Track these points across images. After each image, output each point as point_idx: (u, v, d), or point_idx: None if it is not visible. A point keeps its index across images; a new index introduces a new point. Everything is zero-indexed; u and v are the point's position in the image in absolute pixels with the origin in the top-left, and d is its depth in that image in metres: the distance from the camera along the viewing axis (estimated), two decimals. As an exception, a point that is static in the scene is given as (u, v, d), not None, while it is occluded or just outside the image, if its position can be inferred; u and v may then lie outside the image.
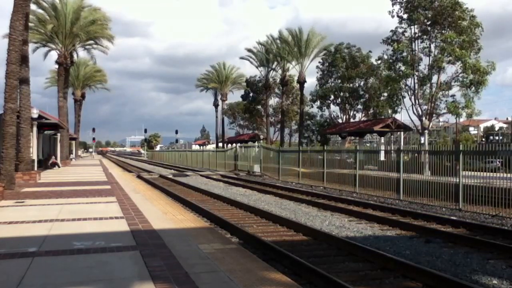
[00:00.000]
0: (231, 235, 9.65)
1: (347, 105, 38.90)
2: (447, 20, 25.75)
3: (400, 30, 27.94)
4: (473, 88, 25.23)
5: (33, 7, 29.62)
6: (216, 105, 69.69)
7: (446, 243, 9.18)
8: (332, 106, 40.11)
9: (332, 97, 39.30)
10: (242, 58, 53.63)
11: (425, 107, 27.22)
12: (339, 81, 38.53)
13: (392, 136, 52.94)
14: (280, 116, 50.51)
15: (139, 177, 26.92)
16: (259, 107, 55.37)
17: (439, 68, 25.95)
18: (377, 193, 17.72)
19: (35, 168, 21.44)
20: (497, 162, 15.03)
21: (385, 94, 31.28)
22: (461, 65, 25.27)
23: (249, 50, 51.60)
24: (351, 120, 38.39)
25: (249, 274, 4.53)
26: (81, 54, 44.36)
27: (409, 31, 27.64)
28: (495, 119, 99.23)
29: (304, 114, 43.39)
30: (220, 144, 65.20)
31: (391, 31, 28.41)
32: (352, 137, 38.13)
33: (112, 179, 19.34)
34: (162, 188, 19.92)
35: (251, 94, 56.32)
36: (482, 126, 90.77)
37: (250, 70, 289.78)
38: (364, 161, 20.20)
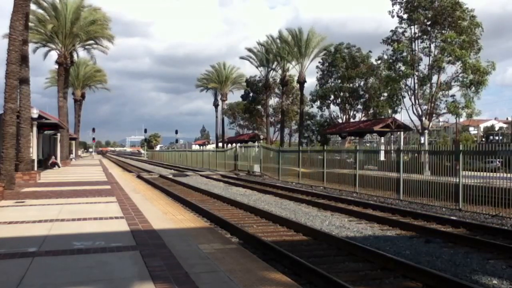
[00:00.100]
0: (231, 235, 9.65)
1: (347, 105, 38.90)
2: (447, 20, 25.76)
3: (400, 30, 27.99)
4: (473, 88, 25.25)
5: (33, 7, 29.63)
6: (216, 105, 69.71)
7: (446, 243, 9.18)
8: (332, 106, 40.17)
9: (332, 97, 39.29)
10: (242, 58, 53.71)
11: (425, 107, 27.24)
12: (339, 81, 38.52)
13: (392, 136, 52.93)
14: (280, 116, 50.50)
15: (139, 177, 26.91)
16: (259, 107, 55.35)
17: (439, 68, 25.96)
18: (377, 193, 17.72)
19: (35, 168, 21.44)
20: (497, 162, 15.02)
21: (385, 94, 31.29)
22: (461, 65, 25.28)
23: (250, 50, 51.69)
24: (351, 120, 38.39)
25: (249, 274, 4.53)
26: (81, 54, 44.43)
27: (409, 31, 27.69)
28: (495, 119, 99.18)
29: (304, 114, 43.38)
30: (220, 144, 65.19)
31: (391, 31, 28.44)
32: (352, 137, 38.11)
33: (112, 179, 19.34)
34: (162, 188, 19.92)
35: (251, 94, 56.29)
36: (482, 126, 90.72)
37: (250, 70, 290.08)
38: (364, 161, 20.20)
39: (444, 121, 68.34)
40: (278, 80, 50.48)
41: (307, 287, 6.11)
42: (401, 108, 28.89)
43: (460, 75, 25.77)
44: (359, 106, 38.87)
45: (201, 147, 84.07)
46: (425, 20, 26.57)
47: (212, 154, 43.88)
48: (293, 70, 46.55)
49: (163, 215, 8.66)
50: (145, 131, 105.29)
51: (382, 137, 33.81)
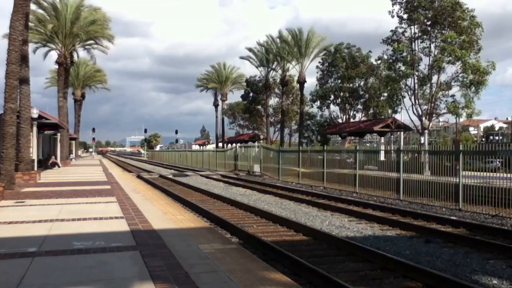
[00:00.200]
0: (231, 235, 9.65)
1: (347, 105, 38.89)
2: (447, 20, 25.75)
3: (400, 30, 27.97)
4: (473, 88, 25.24)
5: (33, 7, 29.62)
6: (216, 105, 69.71)
7: (446, 243, 9.18)
8: (332, 106, 40.14)
9: (332, 97, 39.27)
10: (242, 58, 53.75)
11: (425, 107, 27.23)
12: (339, 81, 38.50)
13: (392, 136, 52.90)
14: (280, 116, 50.50)
15: (139, 177, 26.91)
16: (259, 107, 55.34)
17: (439, 68, 25.95)
18: (377, 193, 17.72)
19: (35, 168, 21.44)
20: (497, 162, 15.02)
21: (385, 94, 31.27)
22: (461, 65, 25.28)
23: (250, 50, 51.68)
24: (351, 120, 38.38)
25: (249, 274, 4.53)
26: (81, 54, 44.40)
27: (409, 31, 27.67)
28: (495, 119, 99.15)
29: (304, 114, 43.38)
30: (220, 144, 65.20)
31: (391, 31, 28.42)
32: (352, 137, 38.11)
33: (112, 179, 19.34)
34: (162, 188, 19.92)
35: (251, 94, 56.28)
36: (482, 126, 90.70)
37: (250, 70, 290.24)
38: (364, 161, 20.20)
39: (444, 121, 68.30)
40: (278, 80, 50.47)
41: (307, 287, 6.11)
42: (401, 108, 28.92)
43: (460, 75, 25.77)
44: (359, 106, 38.85)
45: (201, 147, 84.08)
46: (425, 20, 26.56)
47: (212, 154, 43.88)
48: (293, 70, 46.63)
49: (163, 215, 8.66)
50: (145, 131, 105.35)
51: (382, 137, 33.81)
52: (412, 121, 29.46)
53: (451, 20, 25.65)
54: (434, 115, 28.14)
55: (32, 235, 6.55)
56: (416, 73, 26.90)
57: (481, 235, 9.98)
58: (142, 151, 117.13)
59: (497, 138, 72.54)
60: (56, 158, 31.42)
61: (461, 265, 7.44)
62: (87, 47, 40.83)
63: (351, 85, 37.86)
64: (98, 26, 38.15)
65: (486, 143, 39.54)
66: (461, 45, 24.96)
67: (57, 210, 9.18)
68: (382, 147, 27.03)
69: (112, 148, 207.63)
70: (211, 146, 77.52)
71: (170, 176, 28.74)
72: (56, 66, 38.25)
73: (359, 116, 38.94)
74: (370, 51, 38.13)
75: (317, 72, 40.71)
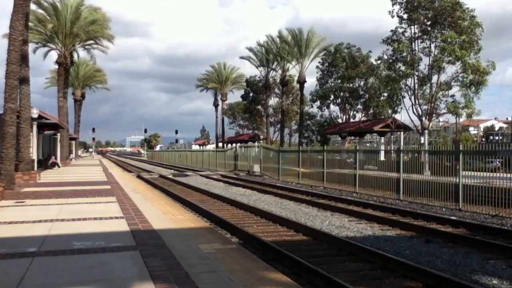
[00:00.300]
0: (231, 235, 9.65)
1: (347, 105, 38.89)
2: (447, 20, 25.76)
3: (400, 30, 27.98)
4: (473, 88, 25.26)
5: (33, 7, 29.61)
6: (216, 105, 69.70)
7: (446, 243, 9.18)
8: (332, 106, 40.14)
9: (332, 97, 39.27)
10: (242, 57, 53.75)
11: (425, 107, 27.24)
12: (339, 81, 38.51)
13: (392, 136, 52.88)
14: (280, 116, 50.49)
15: (139, 177, 26.91)
16: (259, 107, 55.34)
17: (439, 68, 25.96)
18: (377, 193, 17.73)
19: (35, 168, 21.43)
20: (497, 162, 15.02)
21: (385, 94, 31.28)
22: (461, 65, 25.28)
23: (250, 49, 51.67)
24: (351, 120, 38.38)
25: (249, 274, 4.53)
26: (81, 54, 44.35)
27: (409, 31, 27.68)
28: (495, 119, 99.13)
29: (304, 114, 43.38)
30: (220, 144, 65.20)
31: (391, 31, 28.42)
32: (352, 137, 38.12)
33: (112, 179, 19.34)
34: (162, 188, 19.92)
35: (251, 94, 56.29)
36: (482, 126, 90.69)
37: (250, 70, 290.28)
38: (364, 161, 20.20)
39: (444, 121, 68.31)
40: (278, 80, 50.46)
41: (307, 287, 6.11)
42: (401, 108, 28.93)
43: (460, 75, 25.78)
44: (359, 106, 38.86)
45: (201, 147, 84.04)
46: (425, 20, 26.56)
47: (212, 154, 43.88)
48: (293, 70, 46.61)
49: (163, 215, 8.66)
50: (145, 131, 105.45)
51: (382, 137, 33.80)
52: (412, 121, 29.52)
53: (451, 20, 25.65)
54: (434, 115, 28.15)
55: (32, 235, 6.55)
56: (416, 73, 26.91)
57: (481, 235, 9.98)
58: (142, 151, 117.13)
59: (497, 138, 72.52)
60: (56, 158, 31.42)
61: (461, 265, 7.44)
62: (87, 47, 40.87)
63: (351, 85, 37.86)
64: (98, 26, 38.15)
65: (486, 143, 39.53)
66: (461, 45, 24.97)
67: (57, 210, 9.18)
68: (382, 147, 27.03)
69: (112, 148, 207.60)
70: (211, 146, 77.51)
71: (170, 176, 28.73)
72: (56, 66, 38.26)
73: (359, 116, 38.97)
74: (370, 51, 38.18)
75: (317, 72, 40.78)
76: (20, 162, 17.20)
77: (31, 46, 30.04)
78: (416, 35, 27.24)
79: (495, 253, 8.26)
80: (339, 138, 39.56)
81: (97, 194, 12.58)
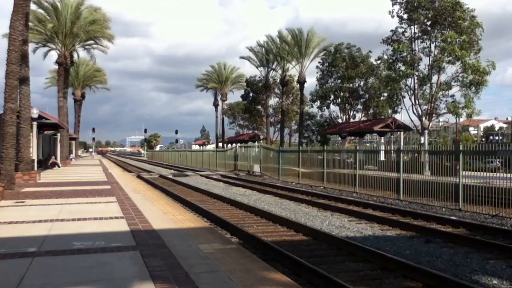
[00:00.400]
0: (231, 235, 9.65)
1: (347, 105, 38.88)
2: (447, 20, 25.76)
3: (400, 30, 27.97)
4: (473, 88, 25.26)
5: (33, 7, 29.60)
6: (216, 105, 69.69)
7: (446, 243, 9.18)
8: (332, 106, 40.12)
9: (332, 97, 39.27)
10: (242, 57, 53.75)
11: (425, 107, 27.23)
12: (339, 81, 38.50)
13: (392, 136, 52.89)
14: (280, 116, 50.49)
15: (139, 177, 26.92)
16: (259, 107, 55.34)
17: (439, 68, 25.96)
18: (377, 193, 17.73)
19: (35, 168, 21.43)
20: (497, 162, 15.02)
21: (385, 94, 31.28)
22: (461, 65, 25.28)
23: (250, 49, 51.67)
24: (351, 120, 38.37)
25: (249, 274, 4.53)
26: (81, 54, 44.37)
27: (409, 31, 27.67)
28: (495, 119, 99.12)
29: (304, 114, 43.37)
30: (220, 144, 65.20)
31: (391, 31, 28.41)
32: (352, 137, 38.11)
33: (112, 179, 19.34)
34: (162, 188, 19.92)
35: (251, 94, 56.29)
36: (482, 126, 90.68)
37: (250, 70, 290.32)
38: (364, 161, 20.20)
39: (444, 121, 68.31)
40: (278, 80, 50.46)
41: (307, 287, 6.11)
42: (401, 108, 28.92)
43: (460, 75, 25.78)
44: (359, 106, 38.85)
45: (201, 147, 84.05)
46: (425, 20, 26.56)
47: (212, 154, 43.88)
48: (293, 70, 46.60)
49: (163, 215, 8.66)
50: (145, 131, 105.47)
51: (382, 137, 33.80)
52: (412, 121, 29.51)
53: (451, 20, 25.65)
54: (434, 115, 28.15)
55: (32, 235, 6.55)
56: (416, 73, 26.91)
57: (481, 235, 9.98)
58: (142, 151, 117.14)
59: (497, 138, 72.52)
60: (56, 158, 31.41)
61: (461, 265, 7.44)
62: (87, 47, 40.87)
63: (351, 85, 37.85)
64: (98, 26, 38.15)
65: (486, 143, 39.53)
66: (461, 45, 24.97)
67: (57, 210, 9.18)
68: (382, 147, 27.03)
69: (112, 148, 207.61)
70: (211, 146, 77.51)
71: (170, 176, 28.74)
72: (56, 66, 38.26)
73: (359, 116, 38.96)
74: (370, 51, 38.14)
75: (317, 72, 40.75)
76: (20, 162, 17.20)
77: (31, 46, 30.06)
78: (416, 35, 27.24)
79: (495, 253, 8.26)
80: (339, 138, 39.56)
81: (97, 194, 12.58)
